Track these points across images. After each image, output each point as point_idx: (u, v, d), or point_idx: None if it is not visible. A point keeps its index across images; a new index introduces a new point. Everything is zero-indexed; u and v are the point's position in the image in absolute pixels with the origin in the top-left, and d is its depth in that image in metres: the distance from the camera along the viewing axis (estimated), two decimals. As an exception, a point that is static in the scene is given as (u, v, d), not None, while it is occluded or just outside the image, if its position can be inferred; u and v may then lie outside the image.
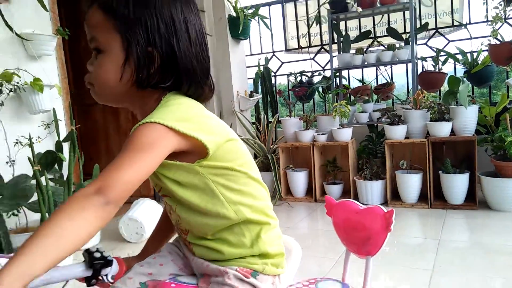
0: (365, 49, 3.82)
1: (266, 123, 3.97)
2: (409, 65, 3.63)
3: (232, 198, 0.78)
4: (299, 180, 3.58)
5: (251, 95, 4.04)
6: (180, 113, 0.73)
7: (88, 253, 0.78)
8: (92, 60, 0.76)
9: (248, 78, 4.29)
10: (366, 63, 3.67)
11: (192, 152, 0.74)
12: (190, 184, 0.76)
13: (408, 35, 3.62)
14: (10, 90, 2.36)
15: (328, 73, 3.98)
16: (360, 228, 1.03)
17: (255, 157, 3.92)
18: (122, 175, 0.64)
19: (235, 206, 0.78)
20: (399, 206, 3.15)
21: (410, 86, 3.70)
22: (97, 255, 0.77)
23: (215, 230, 0.79)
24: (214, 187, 0.76)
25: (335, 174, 3.53)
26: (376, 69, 3.98)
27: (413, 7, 3.39)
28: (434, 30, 3.85)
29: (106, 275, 0.77)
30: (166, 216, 0.95)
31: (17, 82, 2.38)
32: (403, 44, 3.66)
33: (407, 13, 3.64)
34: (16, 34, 2.49)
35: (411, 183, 3.10)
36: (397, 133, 3.16)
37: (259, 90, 4.22)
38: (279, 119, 3.94)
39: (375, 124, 3.60)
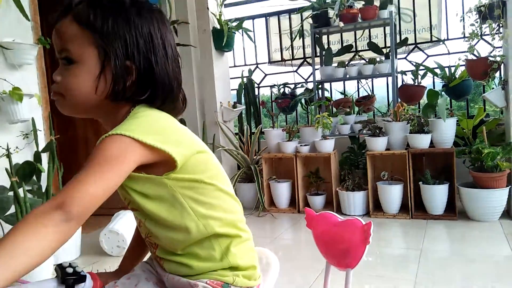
0: (346, 63, 3.89)
1: (249, 134, 3.98)
2: (390, 78, 3.71)
3: (201, 211, 0.77)
4: (282, 191, 3.59)
5: (234, 106, 4.05)
6: (148, 125, 0.73)
7: (60, 268, 0.76)
8: (61, 71, 0.75)
9: (232, 89, 4.31)
10: (347, 76, 3.74)
11: (160, 164, 0.73)
12: (158, 197, 0.75)
13: (388, 49, 3.70)
14: (-12, 99, 2.31)
15: (310, 85, 4.03)
16: (339, 240, 1.04)
17: (238, 168, 3.92)
18: (86, 189, 0.62)
19: (204, 219, 0.77)
20: (381, 216, 3.19)
21: (391, 99, 3.77)
22: (70, 270, 0.75)
23: (184, 245, 0.78)
24: (183, 200, 0.75)
25: (318, 185, 3.55)
26: (358, 82, 4.05)
27: (393, 23, 3.49)
28: (414, 45, 3.96)
29: None
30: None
31: (-4, 91, 2.33)
32: (383, 58, 3.75)
33: (388, 28, 3.73)
34: (-4, 42, 2.45)
35: (392, 194, 3.14)
36: (378, 144, 3.21)
37: (243, 101, 4.23)
38: (262, 130, 3.96)
39: (357, 136, 3.65)
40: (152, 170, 0.73)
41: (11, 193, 2.24)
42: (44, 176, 2.49)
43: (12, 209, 2.13)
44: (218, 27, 3.90)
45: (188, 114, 3.92)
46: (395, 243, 2.74)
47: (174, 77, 0.80)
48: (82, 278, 0.75)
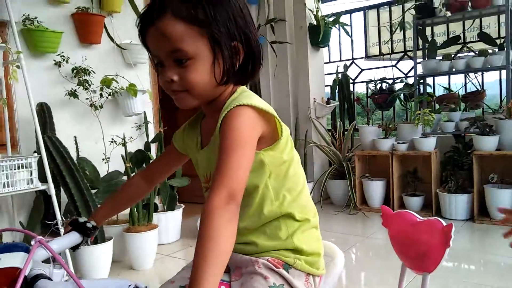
0: (453, 55, 3.60)
1: (342, 130, 3.92)
2: (504, 72, 3.35)
3: (279, 190, 0.80)
4: (375, 189, 3.47)
5: (328, 102, 4.02)
6: (259, 99, 0.78)
7: (77, 222, 0.86)
8: (174, 69, 0.76)
9: (326, 85, 4.27)
10: (454, 69, 3.46)
11: (264, 138, 0.77)
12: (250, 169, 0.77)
13: (502, 40, 3.34)
14: (109, 94, 2.64)
15: (411, 80, 3.81)
16: (417, 242, 0.98)
17: (330, 164, 3.88)
18: (242, 176, 0.67)
19: (280, 199, 0.80)
20: (487, 222, 2.91)
21: (504, 94, 3.40)
22: (89, 225, 0.86)
23: (253, 222, 0.81)
24: (267, 177, 0.79)
25: (416, 186, 3.36)
26: (465, 76, 3.73)
27: (509, 10, 3.14)
28: (535, 34, 3.51)
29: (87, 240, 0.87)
30: (131, 188, 1.00)
31: (115, 87, 2.65)
32: (496, 49, 3.39)
33: (502, 16, 3.36)
34: (117, 44, 2.78)
35: (502, 199, 2.85)
36: (487, 144, 2.93)
37: (336, 98, 4.18)
38: (356, 127, 3.86)
39: (462, 134, 3.36)
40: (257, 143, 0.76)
41: (125, 177, 2.54)
42: (152, 163, 2.76)
43: (125, 191, 2.41)
44: (315, 23, 3.90)
45: (281, 110, 4.00)
46: (503, 251, 2.48)
47: (259, 46, 0.82)
48: (96, 229, 0.87)
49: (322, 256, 0.87)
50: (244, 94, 0.79)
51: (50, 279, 0.64)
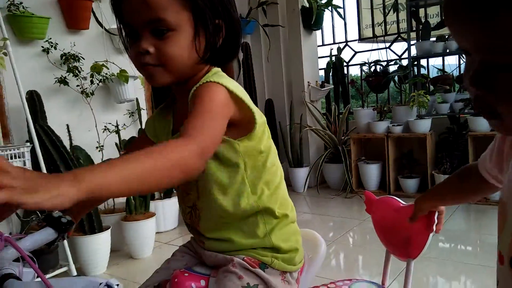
0: (447, 36, 3.58)
1: (337, 114, 3.90)
2: (498, 51, 3.34)
3: (257, 184, 0.77)
4: (371, 173, 3.48)
5: (322, 86, 3.99)
6: (234, 83, 0.74)
7: (51, 217, 0.83)
8: (151, 40, 0.71)
9: (320, 69, 4.24)
10: (448, 50, 3.44)
11: (238, 126, 0.73)
12: (224, 160, 0.75)
13: (497, 19, 3.32)
14: (100, 81, 2.57)
15: (405, 62, 3.79)
16: (400, 227, 0.95)
17: (325, 148, 3.87)
18: (213, 134, 0.63)
19: (257, 193, 0.77)
20: (483, 203, 2.93)
21: (498, 75, 3.40)
22: (64, 220, 0.80)
23: (230, 217, 0.77)
24: (244, 169, 0.75)
25: (412, 168, 3.37)
26: (459, 57, 3.72)
27: (504, -12, 3.11)
28: (528, 13, 3.49)
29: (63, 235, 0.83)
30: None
31: (106, 73, 2.58)
32: (491, 29, 3.37)
33: (497, -5, 3.33)
34: (105, 29, 2.70)
35: (497, 179, 2.87)
36: (482, 125, 2.94)
37: (330, 81, 4.15)
38: (351, 110, 3.85)
39: (457, 115, 3.37)
40: (229, 131, 0.71)
41: (120, 166, 2.50)
42: (147, 151, 2.73)
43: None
44: (307, 5, 3.84)
45: (275, 94, 3.96)
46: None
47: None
48: (72, 224, 0.81)
49: (301, 249, 0.85)
50: (219, 74, 0.75)
51: (19, 278, 0.61)
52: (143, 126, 2.76)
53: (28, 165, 1.98)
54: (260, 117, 0.76)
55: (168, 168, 0.55)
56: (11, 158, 1.92)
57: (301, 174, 3.69)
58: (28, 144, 1.99)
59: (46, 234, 0.79)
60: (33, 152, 2.01)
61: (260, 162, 0.78)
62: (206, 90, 0.68)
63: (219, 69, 0.79)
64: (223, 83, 0.70)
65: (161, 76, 0.73)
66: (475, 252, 2.31)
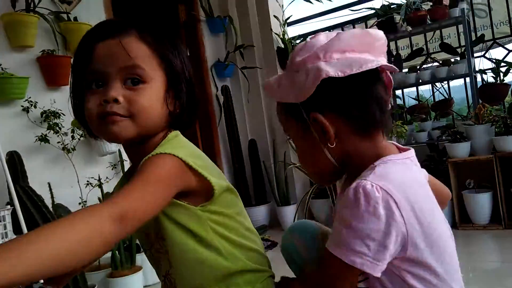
0: (418, 67, 3.72)
1: (320, 149, 3.94)
2: (468, 79, 3.48)
3: (229, 248, 0.76)
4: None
5: (303, 122, 4.05)
6: (191, 150, 0.74)
7: None
8: (122, 90, 0.70)
9: (300, 106, 4.32)
10: (420, 80, 3.57)
11: (196, 193, 0.72)
12: (188, 228, 0.73)
13: (463, 49, 3.48)
14: (81, 136, 2.58)
15: (381, 94, 3.91)
16: None
17: (311, 184, 3.89)
18: (141, 205, 0.59)
19: (232, 256, 0.76)
20: (470, 228, 2.96)
21: (471, 101, 3.52)
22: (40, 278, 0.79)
23: (208, 281, 0.76)
24: (213, 234, 0.74)
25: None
26: (432, 86, 3.85)
27: (466, 20, 3.28)
28: (492, 41, 3.67)
29: None
30: None
31: (87, 128, 2.59)
32: (458, 58, 3.53)
33: (461, 27, 3.51)
34: (85, 84, 2.74)
35: (480, 204, 2.91)
36: (460, 151, 3.00)
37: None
38: (334, 144, 3.90)
39: (436, 143, 3.45)
40: (188, 199, 0.71)
41: (104, 220, 2.46)
42: (131, 202, 2.70)
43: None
44: (283, 46, 3.97)
45: (258, 134, 4.00)
46: (488, 256, 2.52)
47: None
48: None
49: None
50: (175, 141, 0.74)
51: None
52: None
53: (9, 228, 1.94)
54: (220, 184, 0.74)
55: (81, 240, 0.50)
56: (-9, 223, 1.88)
57: (289, 212, 3.68)
58: (9, 207, 1.97)
59: None
60: (14, 214, 1.98)
61: (229, 226, 0.77)
62: (154, 162, 0.66)
63: (178, 132, 0.79)
64: (175, 153, 0.68)
65: (127, 129, 0.70)
66: (467, 277, 2.31)
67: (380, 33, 0.74)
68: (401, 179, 0.66)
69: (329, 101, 0.70)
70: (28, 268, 0.44)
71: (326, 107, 0.70)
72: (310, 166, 0.77)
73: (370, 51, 0.71)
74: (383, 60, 0.72)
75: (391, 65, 0.73)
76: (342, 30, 4.31)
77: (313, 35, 0.76)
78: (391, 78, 0.75)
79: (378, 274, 0.62)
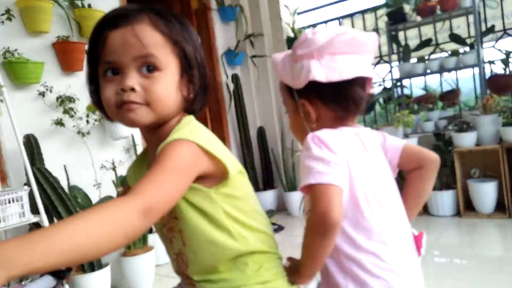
0: (426, 57, 3.73)
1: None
2: (476, 69, 3.49)
3: (239, 229, 0.78)
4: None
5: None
6: (206, 134, 0.75)
7: None
8: (137, 79, 0.71)
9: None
10: (428, 70, 3.58)
11: (211, 176, 0.73)
12: (201, 209, 0.75)
13: (472, 39, 3.49)
14: (95, 120, 2.65)
15: (388, 84, 3.93)
16: None
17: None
18: (163, 195, 0.61)
19: (242, 237, 0.78)
20: (474, 217, 3.00)
21: (478, 91, 3.54)
22: (62, 267, 0.83)
23: (218, 261, 0.78)
24: (224, 216, 0.76)
25: (401, 185, 3.44)
26: (440, 76, 3.86)
27: (476, 11, 3.28)
28: (502, 32, 3.67)
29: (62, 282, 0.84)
30: None
31: (101, 113, 2.66)
32: (467, 49, 3.53)
33: (471, 17, 3.51)
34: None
35: (485, 192, 2.95)
36: (466, 140, 3.04)
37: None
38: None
39: (442, 133, 3.48)
40: (203, 181, 0.73)
41: (117, 202, 2.54)
42: (143, 185, 2.78)
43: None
44: (292, 35, 4.00)
45: (266, 121, 4.05)
46: (491, 245, 2.57)
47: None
48: (70, 270, 0.82)
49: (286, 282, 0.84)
50: (190, 126, 0.75)
51: None
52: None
53: (27, 208, 2.02)
54: (234, 167, 0.76)
55: (105, 233, 0.53)
56: (9, 202, 1.95)
57: (296, 197, 3.74)
58: (26, 187, 2.04)
59: (45, 282, 0.80)
60: (31, 195, 2.06)
61: (240, 208, 0.79)
62: (171, 149, 0.67)
63: (192, 117, 0.80)
64: (192, 138, 0.69)
65: (144, 115, 0.72)
66: (470, 265, 2.36)
67: (368, 37, 0.87)
68: (332, 133, 0.86)
69: (315, 94, 0.89)
70: (51, 260, 0.48)
71: (312, 97, 0.89)
72: (297, 133, 0.98)
73: (359, 52, 0.87)
74: (369, 59, 0.89)
75: (367, 74, 0.88)
76: (352, 20, 4.33)
77: (314, 31, 0.88)
78: (371, 78, 0.91)
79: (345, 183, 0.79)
